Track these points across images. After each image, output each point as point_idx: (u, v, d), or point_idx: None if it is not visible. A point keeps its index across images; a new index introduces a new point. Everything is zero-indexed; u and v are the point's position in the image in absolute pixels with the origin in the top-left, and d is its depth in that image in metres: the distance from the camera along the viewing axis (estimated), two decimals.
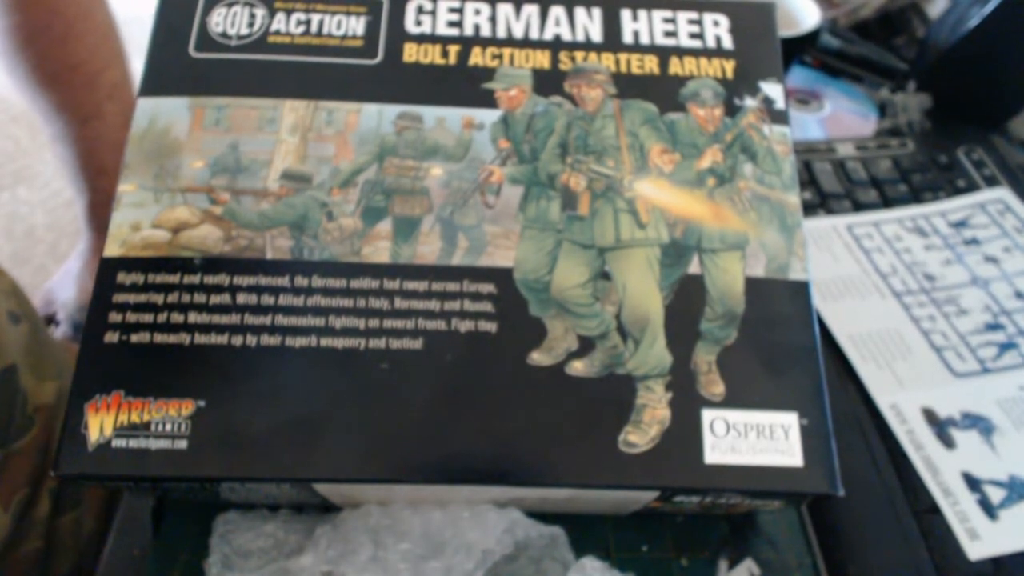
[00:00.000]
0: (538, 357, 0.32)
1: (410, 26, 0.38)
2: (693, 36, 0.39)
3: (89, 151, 0.67)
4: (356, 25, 0.38)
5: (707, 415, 0.32)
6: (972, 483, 0.42)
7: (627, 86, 0.37)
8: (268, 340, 0.32)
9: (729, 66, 0.38)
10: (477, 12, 0.39)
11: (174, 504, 0.41)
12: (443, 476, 0.31)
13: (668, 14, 0.39)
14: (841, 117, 0.68)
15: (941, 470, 0.43)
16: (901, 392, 0.47)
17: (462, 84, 0.37)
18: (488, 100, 0.37)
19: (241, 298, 0.33)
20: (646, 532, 0.41)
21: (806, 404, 0.33)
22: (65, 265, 0.80)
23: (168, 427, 0.30)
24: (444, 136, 0.36)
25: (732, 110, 0.37)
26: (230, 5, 0.38)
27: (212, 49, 0.37)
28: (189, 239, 0.33)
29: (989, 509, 0.41)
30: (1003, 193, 0.57)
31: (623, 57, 0.38)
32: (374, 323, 0.32)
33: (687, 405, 0.32)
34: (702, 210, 0.35)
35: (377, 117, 0.36)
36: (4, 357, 0.47)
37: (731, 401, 0.32)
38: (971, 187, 0.58)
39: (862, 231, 0.56)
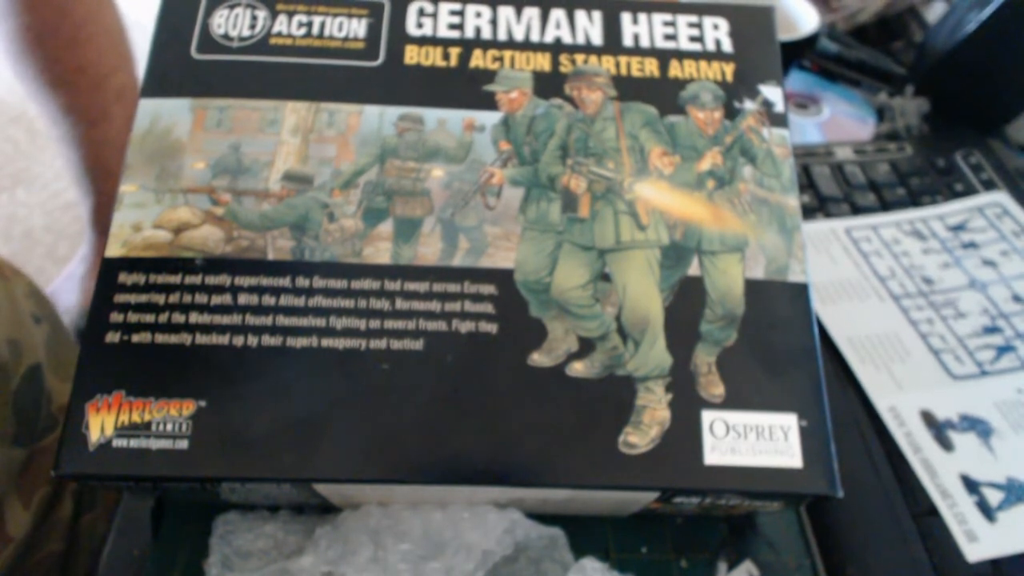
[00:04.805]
0: (538, 358, 0.33)
1: (411, 28, 0.38)
2: (693, 39, 0.39)
3: (95, 153, 0.68)
4: (357, 27, 0.38)
5: (707, 416, 0.32)
6: (970, 485, 0.43)
7: (627, 89, 0.38)
8: (269, 341, 0.32)
9: (729, 69, 0.38)
10: (478, 15, 0.39)
11: (174, 504, 0.41)
12: (443, 477, 0.31)
13: (668, 17, 0.39)
14: (839, 121, 0.69)
15: (939, 472, 0.43)
16: (899, 394, 0.47)
17: (463, 86, 0.37)
18: (489, 102, 0.37)
19: (242, 299, 0.33)
20: (645, 533, 0.41)
21: (805, 406, 0.33)
22: (67, 269, 0.80)
23: (169, 427, 0.31)
24: (445, 138, 0.36)
25: (732, 113, 0.37)
26: (232, 7, 0.38)
27: (214, 51, 0.37)
28: (190, 239, 0.33)
29: (987, 511, 0.41)
30: (1001, 197, 0.57)
31: (623, 60, 0.38)
32: (375, 324, 0.33)
33: (687, 406, 0.32)
34: (702, 212, 0.35)
35: (378, 119, 0.36)
36: (30, 356, 0.48)
37: (731, 402, 0.32)
38: (969, 191, 0.59)
39: (860, 234, 0.56)
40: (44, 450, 0.48)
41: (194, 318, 0.32)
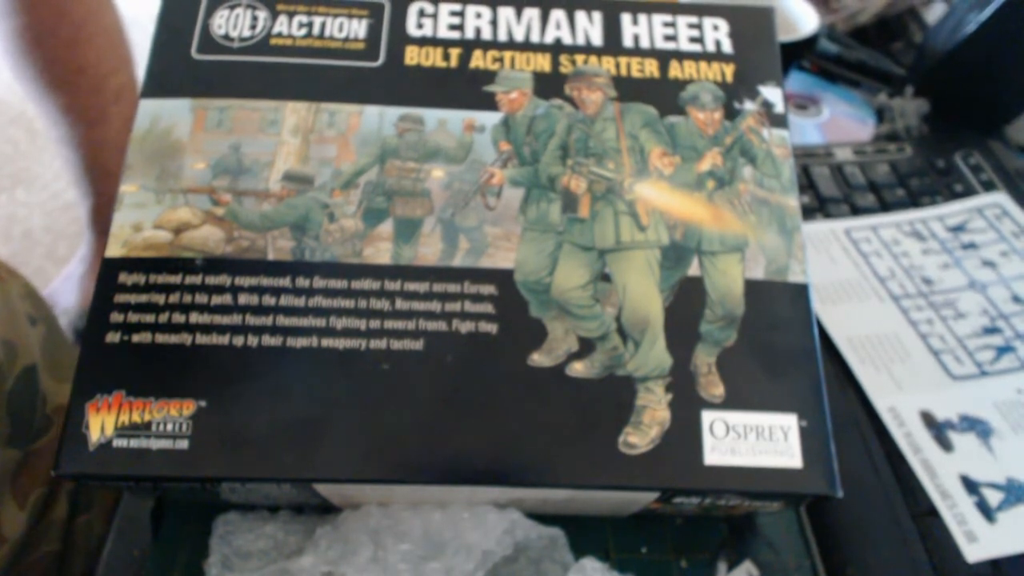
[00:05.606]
0: (538, 358, 0.33)
1: (411, 29, 0.38)
2: (693, 40, 0.39)
3: (95, 154, 0.68)
4: (358, 28, 0.38)
5: (707, 416, 0.32)
6: (970, 486, 0.43)
7: (627, 89, 0.38)
8: (269, 341, 0.32)
9: (729, 70, 0.38)
10: (478, 15, 0.39)
11: (174, 504, 0.41)
12: (443, 477, 0.31)
13: (668, 18, 0.40)
14: (839, 122, 0.69)
15: (939, 473, 0.43)
16: (899, 395, 0.47)
17: (463, 87, 0.37)
18: (489, 103, 0.37)
19: (242, 299, 0.33)
20: (645, 533, 0.41)
21: (805, 406, 0.33)
22: (66, 269, 0.80)
23: (169, 427, 0.31)
24: (445, 138, 0.36)
25: (731, 113, 0.37)
26: (232, 7, 0.38)
27: (214, 51, 0.37)
28: (191, 240, 0.33)
29: (987, 512, 0.42)
30: (1000, 198, 0.57)
31: (623, 60, 0.38)
32: (375, 324, 0.33)
33: (687, 406, 0.32)
34: (702, 212, 0.35)
35: (378, 119, 0.36)
36: (25, 357, 0.48)
37: (731, 402, 0.32)
38: (968, 192, 0.59)
39: (860, 235, 0.56)
40: (39, 451, 0.48)
41: (194, 318, 0.32)
